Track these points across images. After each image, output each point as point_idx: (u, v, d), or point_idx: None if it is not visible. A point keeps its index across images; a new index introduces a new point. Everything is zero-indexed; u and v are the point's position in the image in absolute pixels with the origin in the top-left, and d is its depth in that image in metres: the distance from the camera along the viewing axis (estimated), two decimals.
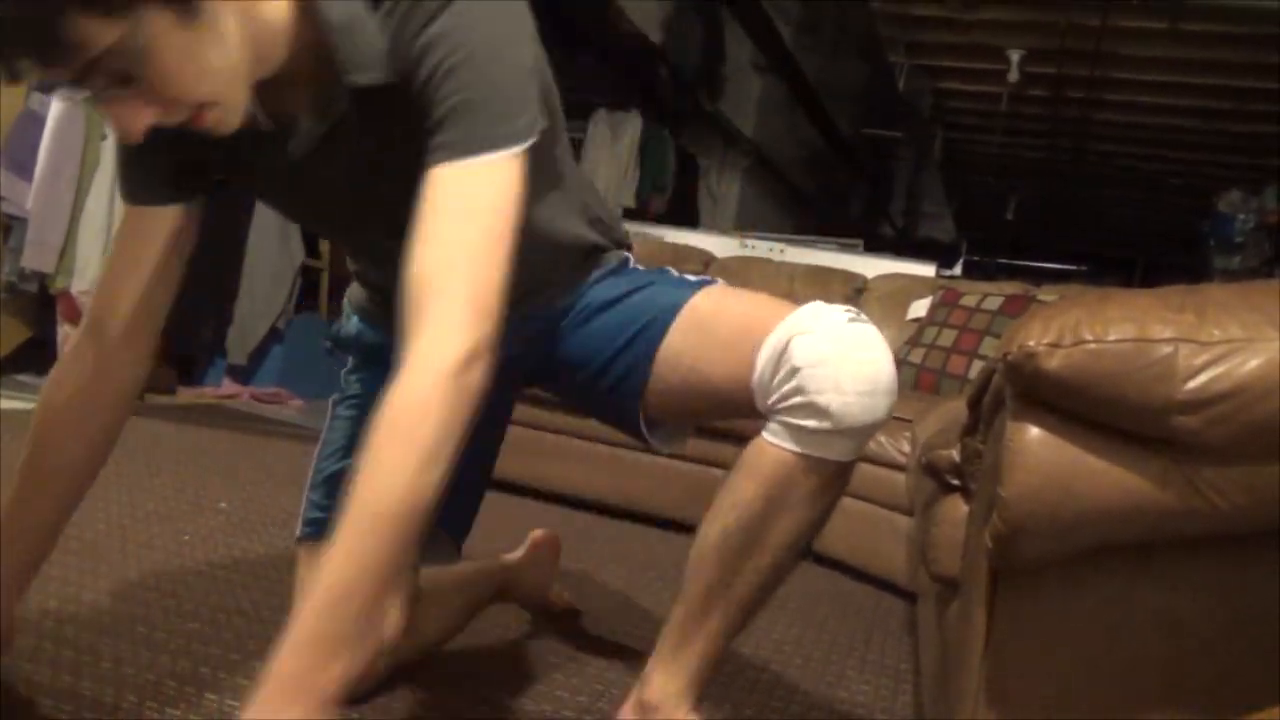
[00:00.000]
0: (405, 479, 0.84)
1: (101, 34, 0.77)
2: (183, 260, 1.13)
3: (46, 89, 2.49)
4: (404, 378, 0.86)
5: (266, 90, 0.94)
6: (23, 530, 1.09)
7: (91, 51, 0.77)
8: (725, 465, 1.15)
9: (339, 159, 1.03)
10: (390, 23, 0.92)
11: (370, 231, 1.14)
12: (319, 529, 1.24)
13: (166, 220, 1.08)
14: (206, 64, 0.84)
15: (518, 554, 1.63)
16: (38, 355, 3.18)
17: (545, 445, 2.70)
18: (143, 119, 0.84)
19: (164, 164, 1.05)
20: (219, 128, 0.90)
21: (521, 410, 2.74)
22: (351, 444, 1.23)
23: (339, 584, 0.81)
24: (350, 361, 1.36)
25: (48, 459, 1.09)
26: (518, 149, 0.92)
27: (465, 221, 0.90)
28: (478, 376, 0.87)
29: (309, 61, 0.95)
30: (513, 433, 3.09)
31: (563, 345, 1.25)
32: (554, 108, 1.09)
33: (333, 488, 1.24)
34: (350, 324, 1.35)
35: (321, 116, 1.00)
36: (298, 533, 1.30)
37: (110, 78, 0.80)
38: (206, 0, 0.82)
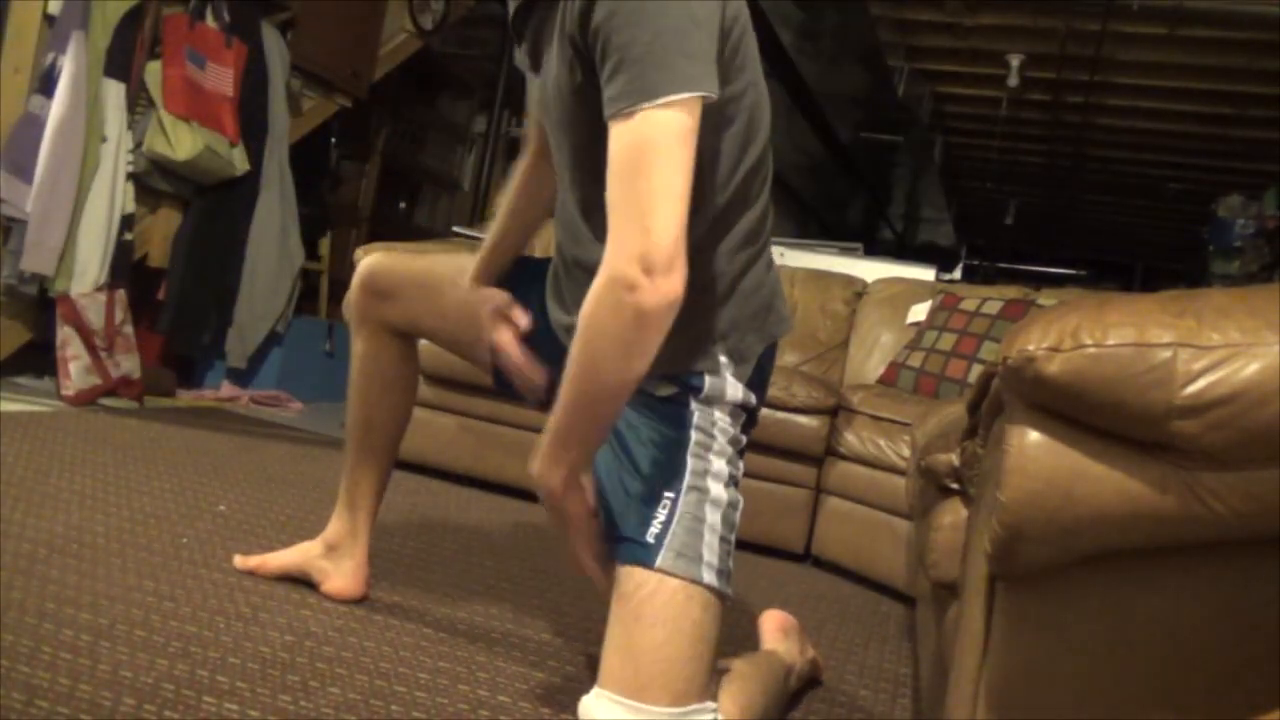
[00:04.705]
0: (599, 369, 1.05)
1: None
2: None
3: None
4: (592, 289, 1.03)
5: None
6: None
7: None
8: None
9: (541, 65, 1.20)
10: None
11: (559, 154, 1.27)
12: None
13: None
14: None
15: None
16: (37, 358, 3.17)
17: None
18: None
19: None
20: None
21: (524, 413, 2.75)
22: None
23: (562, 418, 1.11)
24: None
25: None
26: (685, 94, 0.98)
27: (633, 174, 1.00)
28: (649, 292, 0.99)
29: None
30: (513, 434, 3.05)
31: None
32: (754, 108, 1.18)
33: None
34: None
35: None
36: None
37: None
38: None
